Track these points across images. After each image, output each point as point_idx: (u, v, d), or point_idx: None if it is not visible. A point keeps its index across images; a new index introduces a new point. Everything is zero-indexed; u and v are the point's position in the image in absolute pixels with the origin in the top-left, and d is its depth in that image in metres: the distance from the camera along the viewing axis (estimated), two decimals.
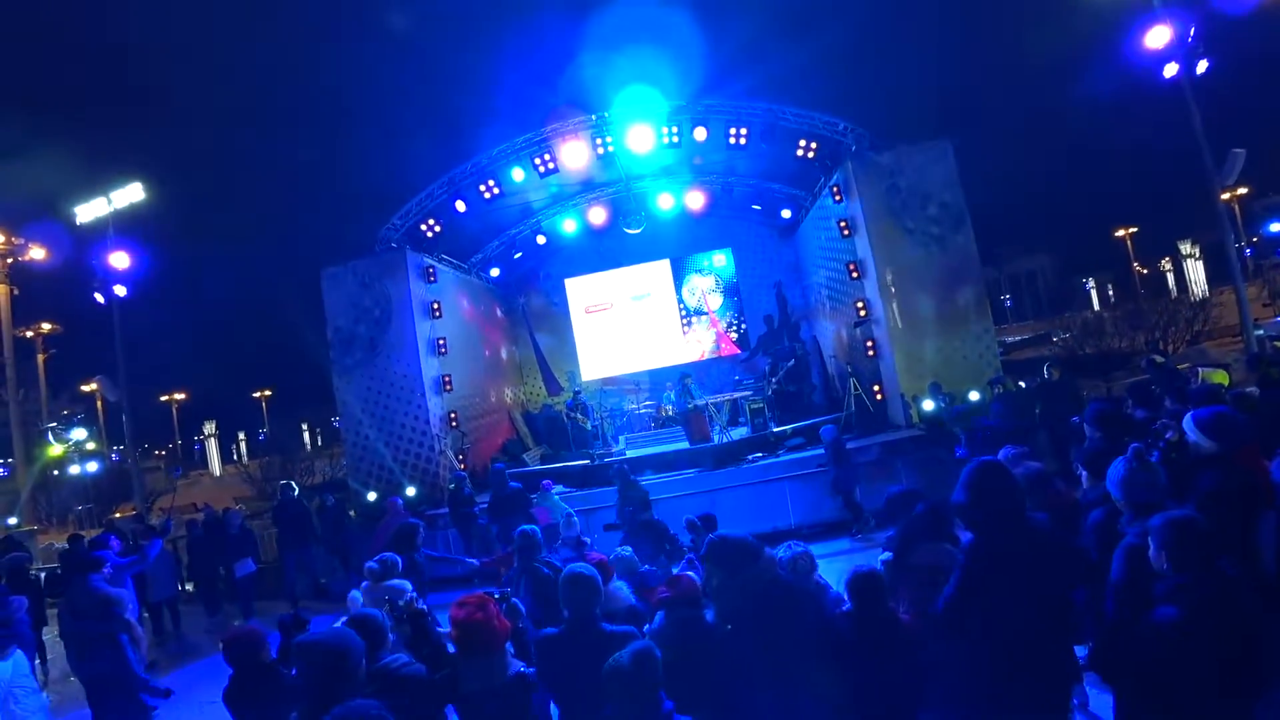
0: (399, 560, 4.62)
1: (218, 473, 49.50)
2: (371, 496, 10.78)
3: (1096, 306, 43.70)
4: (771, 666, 2.64)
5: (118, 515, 17.52)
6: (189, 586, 10.78)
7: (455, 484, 10.09)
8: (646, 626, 3.06)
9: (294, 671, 2.79)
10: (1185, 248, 44.95)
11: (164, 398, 50.97)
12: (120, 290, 14.11)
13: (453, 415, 11.96)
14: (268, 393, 59.26)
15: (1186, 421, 3.63)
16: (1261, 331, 12.53)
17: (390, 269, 11.70)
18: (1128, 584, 2.58)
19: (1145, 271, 50.71)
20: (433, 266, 12.37)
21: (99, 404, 33.69)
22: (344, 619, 3.15)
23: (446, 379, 11.94)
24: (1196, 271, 43.66)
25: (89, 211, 15.13)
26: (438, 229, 12.29)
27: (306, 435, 55.78)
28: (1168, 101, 11.99)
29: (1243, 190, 33.25)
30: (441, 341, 12.06)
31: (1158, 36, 10.84)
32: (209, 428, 55.37)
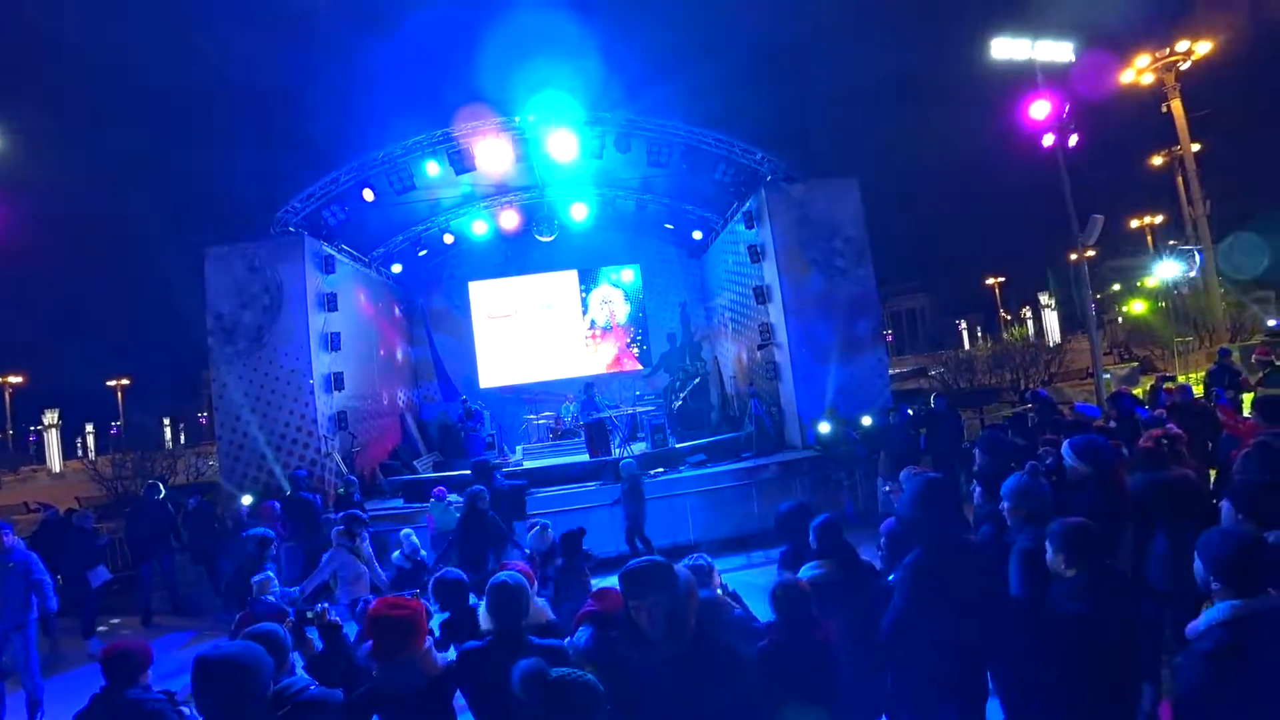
0: None
1: (57, 469, 44.13)
2: (246, 500, 9.91)
3: (967, 345, 47.48)
4: (699, 686, 2.60)
5: None
6: None
7: (344, 490, 9.46)
8: (569, 640, 2.93)
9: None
10: (1044, 298, 49.61)
11: None
12: None
13: (342, 416, 11.28)
14: (125, 381, 53.92)
15: (1064, 448, 4.10)
16: (1108, 375, 13.97)
17: (285, 254, 10.92)
18: (1028, 582, 2.79)
19: (1009, 317, 55.73)
20: (332, 256, 11.68)
21: None
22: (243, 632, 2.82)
23: (338, 377, 11.26)
24: (1052, 321, 48.24)
25: None
26: (341, 217, 11.61)
27: (168, 431, 51.10)
28: (1043, 168, 13.24)
29: (1091, 253, 37.17)
30: (335, 336, 11.37)
31: (1039, 109, 11.95)
32: (50, 417, 49.24)
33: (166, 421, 56.77)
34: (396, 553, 7.04)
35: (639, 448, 12.19)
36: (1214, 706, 1.99)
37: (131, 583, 9.28)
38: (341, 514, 8.98)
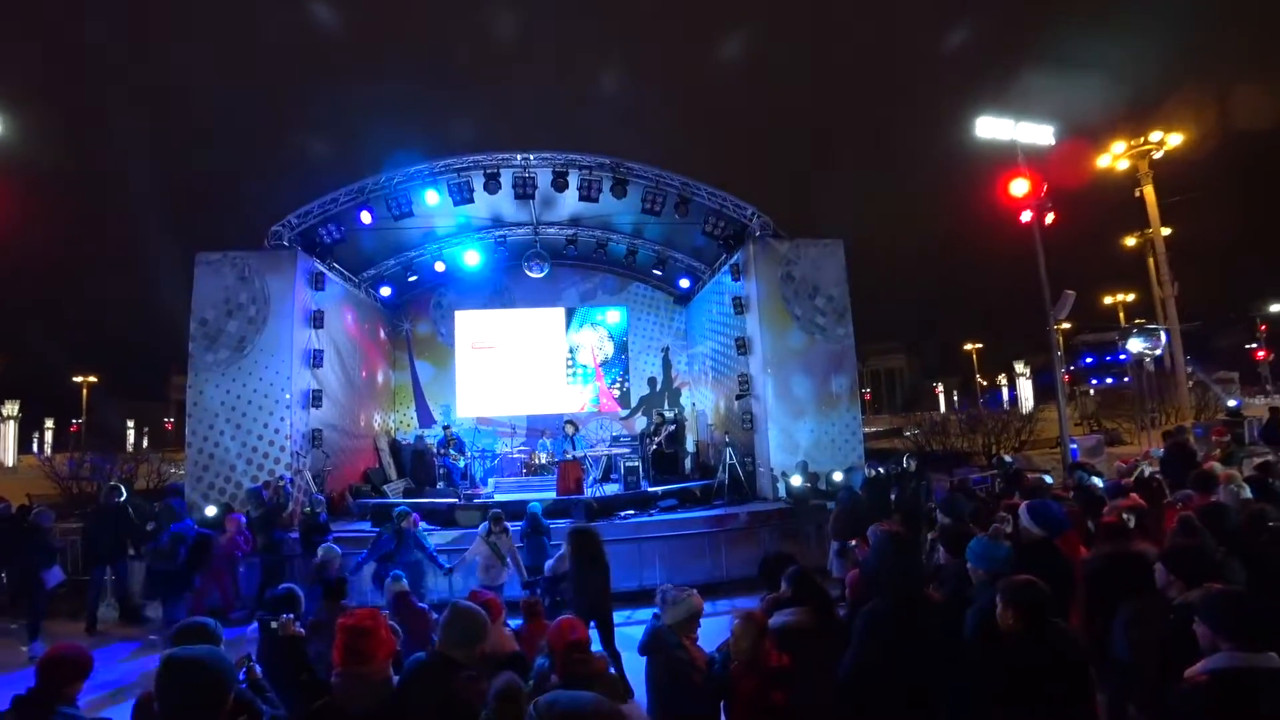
0: None
1: (11, 463, 42.72)
2: (210, 511, 9.79)
3: (943, 408, 48.16)
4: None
5: None
6: None
7: (310, 508, 9.38)
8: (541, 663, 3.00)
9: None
10: (1019, 367, 50.64)
11: None
12: None
13: (317, 434, 11.23)
14: (93, 379, 52.61)
15: (1022, 510, 4.33)
16: (1075, 445, 14.31)
17: (276, 267, 10.99)
18: (979, 637, 2.98)
19: (985, 383, 56.77)
20: (323, 273, 11.77)
21: None
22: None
23: (317, 394, 11.25)
24: (1026, 389, 49.17)
25: None
26: (336, 236, 11.74)
27: (131, 434, 49.97)
28: (1022, 241, 13.76)
29: (1066, 326, 38.29)
30: (319, 354, 11.39)
31: (1018, 187, 12.50)
32: (9, 408, 47.69)
33: (130, 424, 55.51)
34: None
35: (611, 489, 12.24)
36: None
37: (79, 587, 9.04)
38: (301, 531, 9.00)
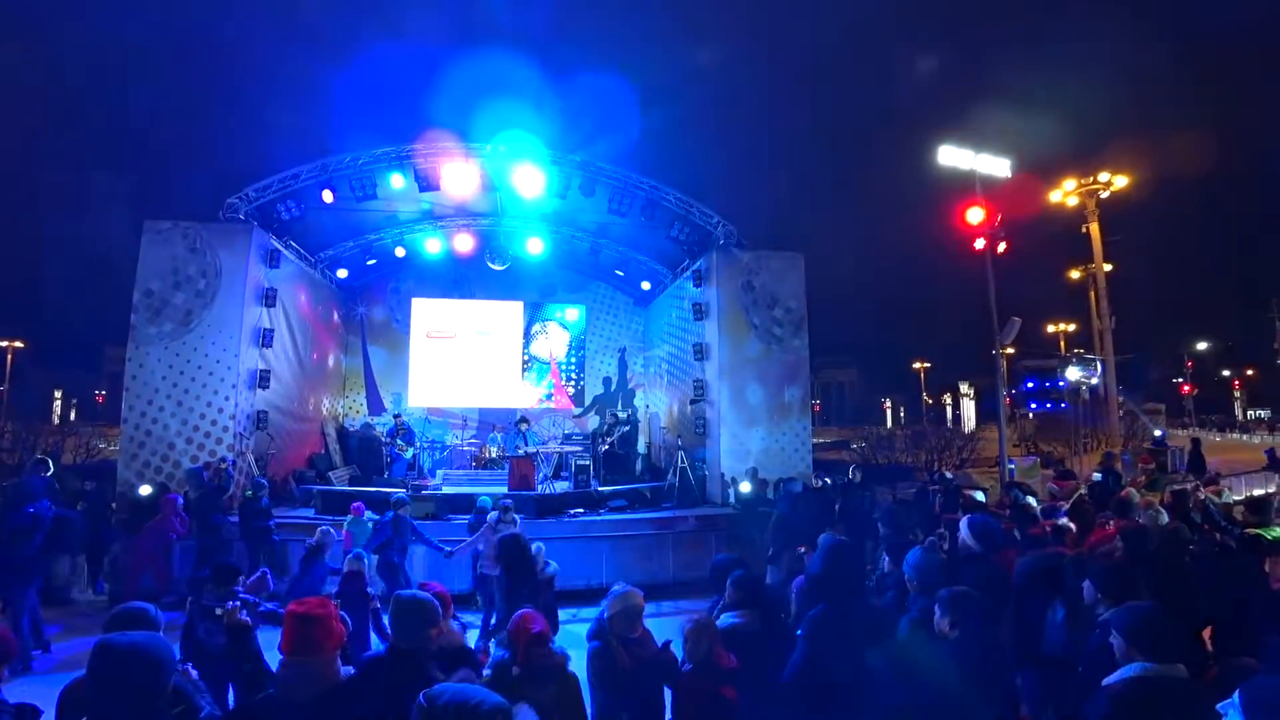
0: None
1: None
2: (145, 490, 9.42)
3: (890, 423, 49.45)
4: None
5: None
6: None
7: (252, 492, 9.10)
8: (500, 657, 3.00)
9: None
10: (964, 388, 52.36)
11: None
12: None
13: (263, 416, 10.92)
14: (18, 344, 49.90)
15: (962, 524, 4.53)
16: (1013, 465, 14.93)
17: (229, 241, 10.64)
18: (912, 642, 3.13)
19: (931, 401, 58.49)
20: (278, 251, 11.44)
21: None
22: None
23: (264, 375, 10.95)
24: (969, 409, 50.86)
25: None
26: (295, 213, 11.44)
27: (58, 405, 47.62)
28: (974, 267, 14.26)
29: (1010, 350, 39.79)
30: (269, 333, 11.08)
31: (974, 215, 12.96)
32: None
33: (58, 394, 52.84)
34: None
35: (561, 486, 12.21)
36: None
37: None
38: (238, 515, 8.68)
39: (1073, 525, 5.50)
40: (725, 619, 3.53)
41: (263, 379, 10.91)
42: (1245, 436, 38.05)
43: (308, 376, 13.59)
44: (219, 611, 2.79)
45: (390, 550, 7.56)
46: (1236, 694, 1.81)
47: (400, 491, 9.29)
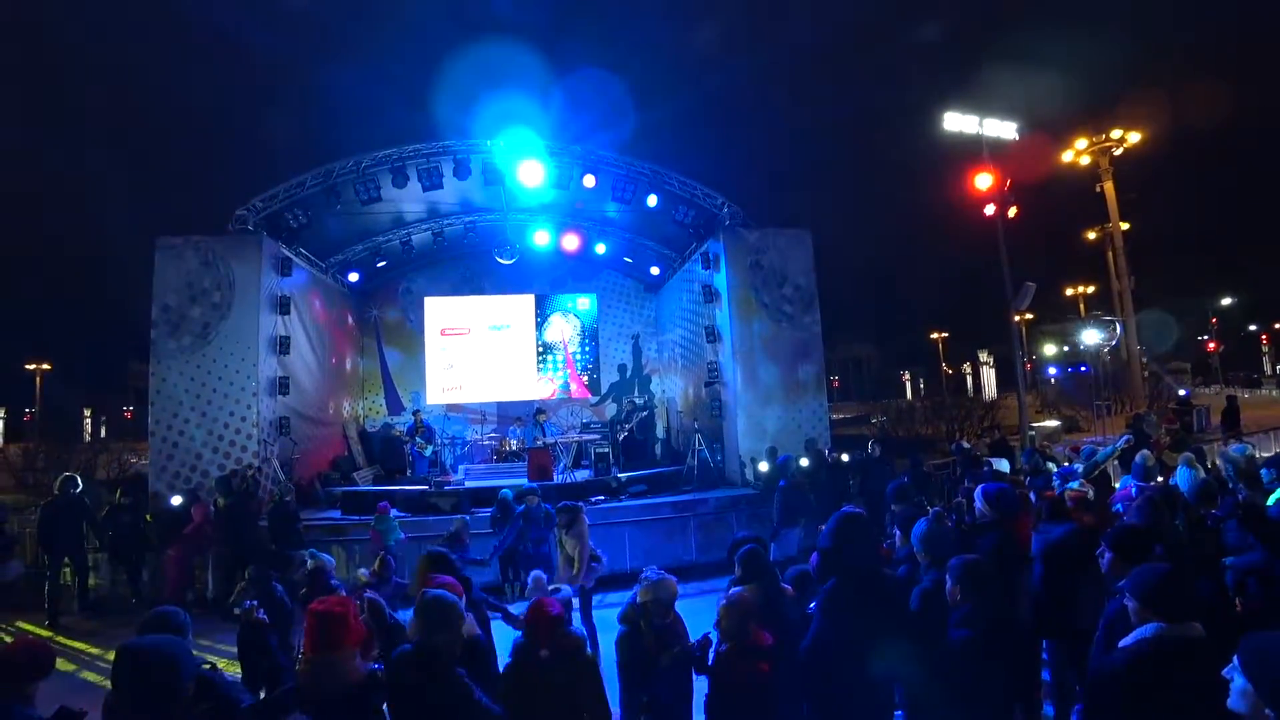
0: None
1: None
2: (176, 500, 9.64)
3: (910, 396, 49.13)
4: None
5: None
6: None
7: (280, 497, 9.29)
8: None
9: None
10: (983, 356, 51.82)
11: None
12: None
13: (285, 421, 11.11)
14: (46, 366, 50.93)
15: (976, 492, 4.50)
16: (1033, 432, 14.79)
17: (240, 252, 10.79)
18: (921, 616, 3.17)
19: (950, 372, 57.97)
20: (289, 259, 11.58)
21: None
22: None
23: (284, 381, 11.11)
24: (989, 377, 50.36)
25: None
26: (303, 220, 11.56)
27: (88, 423, 48.54)
28: (986, 233, 14.10)
29: (1029, 316, 39.28)
30: (285, 340, 11.25)
31: (983, 181, 12.79)
32: None
33: (87, 412, 53.90)
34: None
35: (581, 475, 12.31)
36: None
37: (37, 580, 8.85)
38: (271, 518, 8.84)
39: (1089, 490, 5.45)
40: (731, 594, 3.60)
41: (282, 385, 11.07)
42: (1276, 392, 37.31)
43: (327, 380, 13.78)
44: (237, 611, 2.87)
45: (525, 542, 7.66)
46: (1235, 655, 1.80)
47: (524, 484, 9.14)
